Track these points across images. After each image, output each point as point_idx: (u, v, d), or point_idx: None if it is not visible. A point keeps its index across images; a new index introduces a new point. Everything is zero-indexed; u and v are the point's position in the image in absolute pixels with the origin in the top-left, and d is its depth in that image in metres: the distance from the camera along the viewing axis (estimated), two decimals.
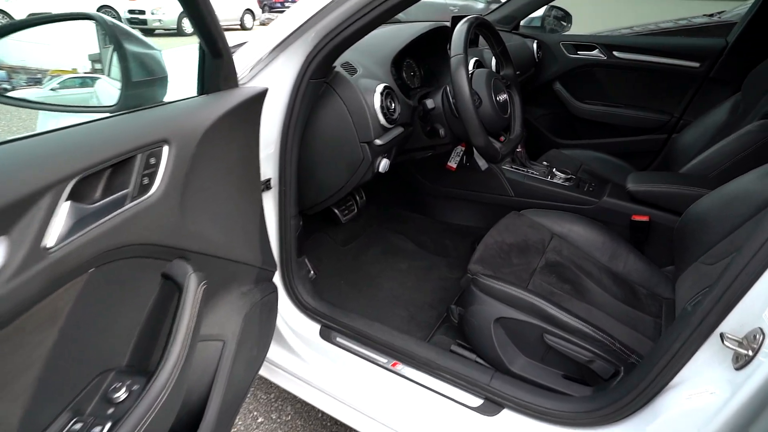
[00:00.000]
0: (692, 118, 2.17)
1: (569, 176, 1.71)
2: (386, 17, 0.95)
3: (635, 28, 4.09)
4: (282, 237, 1.22)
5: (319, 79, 1.08)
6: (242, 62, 0.95)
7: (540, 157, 2.10)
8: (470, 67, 1.64)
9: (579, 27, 2.67)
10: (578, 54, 2.34)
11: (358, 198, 2.05)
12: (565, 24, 2.57)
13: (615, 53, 2.26)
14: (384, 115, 1.14)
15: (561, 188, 1.67)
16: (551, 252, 1.39)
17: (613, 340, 1.05)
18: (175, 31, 9.70)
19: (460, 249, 1.91)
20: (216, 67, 0.82)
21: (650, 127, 2.26)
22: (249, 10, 12.47)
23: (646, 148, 2.31)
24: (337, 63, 1.18)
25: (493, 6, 2.33)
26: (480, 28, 1.28)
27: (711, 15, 3.82)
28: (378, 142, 1.18)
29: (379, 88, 1.14)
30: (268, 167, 1.06)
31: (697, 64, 2.12)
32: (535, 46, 2.28)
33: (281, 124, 1.07)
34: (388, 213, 2.11)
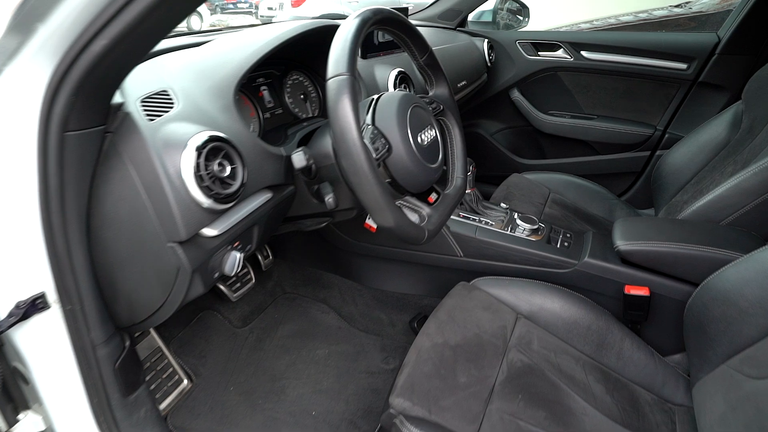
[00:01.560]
0: (680, 132, 1.76)
1: (537, 226, 1.24)
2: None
3: (595, 22, 3.73)
4: (86, 377, 0.72)
5: (91, 129, 0.56)
6: None
7: (499, 186, 1.64)
8: (390, 85, 1.14)
9: (538, 22, 2.23)
10: (539, 55, 1.89)
11: (260, 257, 1.53)
12: (521, 18, 2.12)
13: (584, 53, 1.82)
14: (206, 189, 0.62)
15: (526, 245, 1.20)
16: (516, 349, 0.94)
17: None
18: None
19: (397, 325, 1.42)
20: None
21: (629, 142, 1.83)
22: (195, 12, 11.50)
23: (625, 167, 1.89)
24: (133, 93, 0.66)
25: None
26: (385, 25, 0.78)
27: (678, 5, 3.49)
28: (208, 233, 0.67)
29: (196, 140, 0.62)
30: (35, 276, 0.60)
31: (683, 66, 1.70)
32: (485, 46, 1.81)
33: (38, 207, 0.57)
34: (305, 274, 1.60)
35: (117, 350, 0.81)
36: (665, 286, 1.07)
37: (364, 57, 1.19)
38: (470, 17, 2.08)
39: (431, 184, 0.85)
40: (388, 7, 0.77)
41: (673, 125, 1.78)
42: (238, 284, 1.41)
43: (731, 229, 1.09)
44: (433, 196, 0.88)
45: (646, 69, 1.75)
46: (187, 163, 0.60)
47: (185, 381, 1.22)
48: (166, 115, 0.66)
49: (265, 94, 0.95)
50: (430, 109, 0.91)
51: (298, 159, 0.71)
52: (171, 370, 1.20)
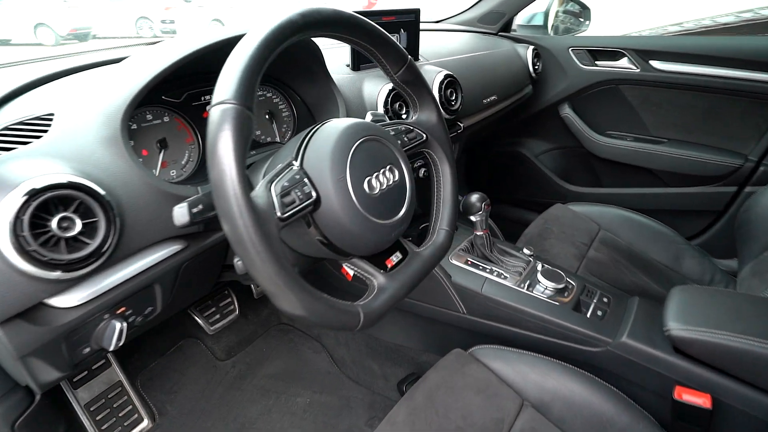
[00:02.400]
0: None
1: (563, 285, 0.98)
2: None
3: (684, 25, 3.23)
4: None
5: None
6: None
7: (535, 219, 1.38)
8: (380, 105, 0.94)
9: (605, 27, 1.91)
10: (597, 65, 1.58)
11: (252, 284, 1.39)
12: (582, 20, 1.81)
13: (653, 63, 1.50)
14: (28, 256, 0.46)
15: (545, 310, 0.94)
16: None
17: None
18: None
19: (390, 380, 1.22)
20: None
21: (709, 174, 1.48)
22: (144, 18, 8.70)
23: (701, 205, 1.53)
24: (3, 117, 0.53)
25: None
26: (325, 31, 0.58)
27: None
28: (59, 303, 0.51)
29: (14, 196, 0.46)
30: None
31: None
32: (530, 54, 1.55)
33: None
34: None
35: (16, 408, 0.69)
36: (737, 394, 0.77)
37: (355, 69, 1.00)
38: (519, 21, 1.81)
39: (387, 245, 0.64)
40: (328, 7, 0.57)
41: None
42: (218, 315, 1.28)
43: None
44: (394, 258, 0.67)
45: (737, 83, 1.39)
46: (2, 220, 0.44)
47: (145, 421, 1.10)
48: (22, 148, 0.52)
49: None
50: (406, 139, 0.70)
51: (180, 215, 0.53)
52: (130, 408, 1.09)
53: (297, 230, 0.60)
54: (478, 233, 1.06)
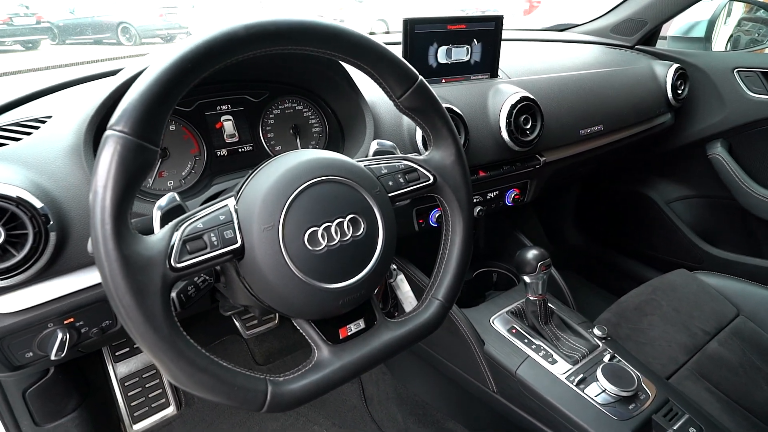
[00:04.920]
0: None
1: (630, 392, 0.72)
2: None
3: None
4: None
5: None
6: None
7: (644, 284, 1.09)
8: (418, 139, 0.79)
9: None
10: None
11: None
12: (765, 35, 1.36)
13: None
14: None
15: (588, 421, 0.70)
16: None
17: None
18: None
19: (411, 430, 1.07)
20: None
21: None
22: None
23: None
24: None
25: None
26: (282, 46, 0.46)
27: None
28: None
29: None
30: None
31: None
32: (671, 74, 1.20)
33: None
34: None
35: (29, 378, 0.74)
36: None
37: None
38: (675, 31, 1.44)
39: (334, 314, 0.51)
40: (295, 17, 0.46)
41: None
42: (255, 321, 1.27)
43: None
44: (353, 327, 0.54)
45: None
46: None
47: (171, 407, 1.15)
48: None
49: (227, 125, 0.74)
50: (402, 180, 0.56)
51: (89, 243, 0.47)
52: (160, 391, 1.15)
53: (231, 275, 0.52)
54: (531, 298, 0.84)
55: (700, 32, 1.36)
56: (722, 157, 1.25)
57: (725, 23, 1.40)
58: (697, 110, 1.29)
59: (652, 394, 0.74)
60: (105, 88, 0.59)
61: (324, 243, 0.47)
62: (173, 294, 0.55)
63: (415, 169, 0.57)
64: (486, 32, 0.89)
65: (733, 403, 0.85)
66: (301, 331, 0.52)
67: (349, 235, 0.48)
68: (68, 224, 0.53)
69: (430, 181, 0.57)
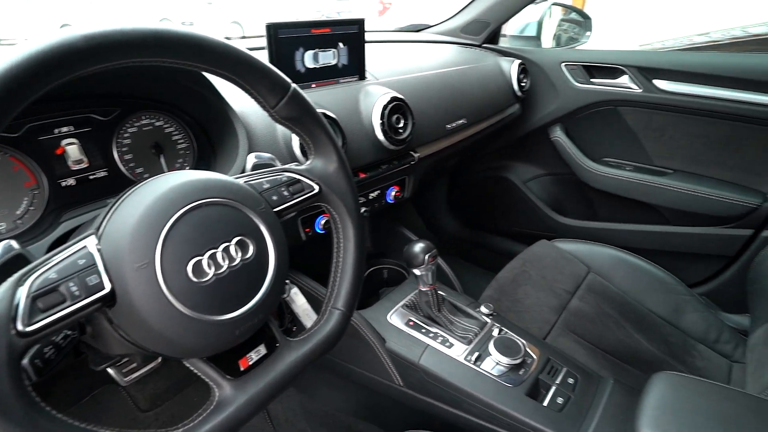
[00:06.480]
0: None
1: (519, 360, 0.79)
2: None
3: (711, 35, 2.95)
4: None
5: None
6: None
7: (514, 258, 1.21)
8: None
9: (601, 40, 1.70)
10: (593, 83, 1.39)
11: None
12: (582, 31, 1.61)
13: (658, 83, 1.29)
14: None
15: (491, 393, 0.76)
16: None
17: None
18: None
19: None
20: None
21: (721, 214, 1.27)
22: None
23: (710, 248, 1.31)
24: None
25: None
26: (136, 55, 0.41)
27: None
28: None
29: None
30: None
31: None
32: (515, 69, 1.36)
33: None
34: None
35: None
36: None
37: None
38: (513, 31, 1.63)
39: (229, 346, 0.47)
40: (147, 24, 0.41)
41: None
42: (134, 364, 1.12)
43: None
44: (254, 356, 0.51)
45: (757, 110, 1.18)
46: None
47: None
48: None
49: (71, 150, 0.63)
50: (286, 193, 0.53)
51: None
52: None
53: (101, 324, 0.45)
54: (423, 289, 0.88)
55: (532, 32, 1.56)
56: (561, 140, 1.45)
57: (549, 24, 1.62)
58: (537, 100, 1.47)
59: (537, 356, 0.83)
60: None
61: (211, 272, 0.43)
62: (25, 361, 0.46)
63: (299, 180, 0.55)
64: (350, 35, 0.90)
65: (594, 347, 0.99)
66: (195, 371, 0.47)
67: (238, 259, 0.45)
68: None
69: (316, 191, 0.56)
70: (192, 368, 0.47)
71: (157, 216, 0.41)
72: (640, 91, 1.31)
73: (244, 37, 1.11)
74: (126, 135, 0.69)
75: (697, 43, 2.81)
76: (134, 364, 1.08)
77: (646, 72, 1.29)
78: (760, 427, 0.60)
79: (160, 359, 1.16)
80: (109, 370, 1.05)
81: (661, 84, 1.28)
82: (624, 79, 1.33)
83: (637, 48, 2.90)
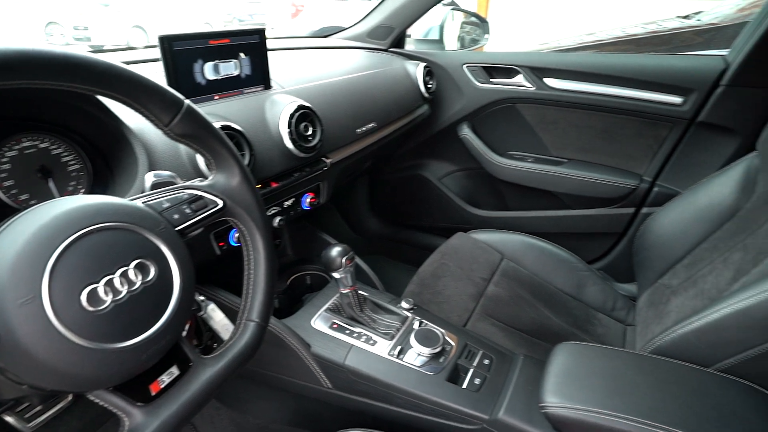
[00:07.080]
0: (674, 185, 1.34)
1: (439, 349, 0.84)
2: None
3: (597, 35, 3.28)
4: None
5: None
6: None
7: (434, 252, 1.26)
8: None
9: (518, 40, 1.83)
10: (492, 82, 1.49)
11: None
12: (482, 34, 1.72)
13: (547, 81, 1.42)
14: None
15: (414, 383, 0.80)
16: None
17: None
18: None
19: None
20: None
21: (608, 196, 1.42)
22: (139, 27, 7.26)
23: (602, 227, 1.47)
24: None
25: None
26: (13, 78, 0.40)
27: (686, 16, 3.02)
28: None
29: None
30: None
31: (677, 100, 1.28)
32: (420, 72, 1.42)
33: None
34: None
35: None
36: None
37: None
38: (419, 35, 1.70)
39: (137, 372, 0.46)
40: (15, 44, 0.39)
41: (664, 176, 1.36)
42: (39, 407, 1.04)
43: (729, 390, 0.68)
44: (166, 378, 0.50)
45: (628, 103, 1.33)
46: None
47: None
48: None
49: None
50: (188, 211, 0.53)
51: None
52: None
53: None
54: (344, 292, 0.90)
55: (435, 35, 1.63)
56: (469, 137, 1.54)
57: (452, 27, 1.71)
58: (444, 100, 1.55)
59: (455, 343, 0.88)
60: None
61: (109, 299, 0.42)
62: None
63: (201, 197, 0.55)
64: (251, 45, 0.90)
65: (510, 328, 1.07)
66: (101, 403, 0.46)
67: (139, 283, 0.44)
68: None
69: (220, 206, 0.56)
70: (97, 400, 0.45)
71: (40, 247, 0.39)
72: (534, 88, 1.43)
73: (149, 46, 1.04)
74: (4, 160, 0.64)
75: (586, 42, 3.11)
76: (38, 408, 1.00)
77: (537, 71, 1.41)
78: (639, 378, 0.70)
79: (70, 396, 1.08)
80: (7, 418, 0.96)
81: (550, 82, 1.41)
82: (519, 78, 1.45)
83: (537, 47, 3.15)
